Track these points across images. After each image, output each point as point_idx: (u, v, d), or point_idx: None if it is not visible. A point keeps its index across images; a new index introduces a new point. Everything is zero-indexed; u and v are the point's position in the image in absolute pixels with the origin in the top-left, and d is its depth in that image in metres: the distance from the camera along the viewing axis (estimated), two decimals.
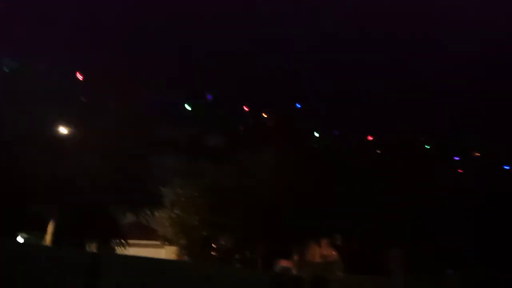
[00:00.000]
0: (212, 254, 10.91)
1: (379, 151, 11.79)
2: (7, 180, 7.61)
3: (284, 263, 12.82)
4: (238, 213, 9.78)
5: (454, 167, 11.93)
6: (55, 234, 8.62)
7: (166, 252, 11.82)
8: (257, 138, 9.84)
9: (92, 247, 8.32)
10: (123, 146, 8.44)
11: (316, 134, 11.24)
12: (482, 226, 10.08)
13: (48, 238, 9.15)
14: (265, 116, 10.12)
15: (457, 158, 12.46)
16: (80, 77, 8.95)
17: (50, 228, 8.96)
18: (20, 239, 9.76)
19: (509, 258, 8.45)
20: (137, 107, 9.08)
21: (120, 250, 8.17)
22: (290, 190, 9.69)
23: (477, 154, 12.88)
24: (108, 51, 9.74)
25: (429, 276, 8.63)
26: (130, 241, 9.36)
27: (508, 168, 12.54)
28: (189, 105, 10.34)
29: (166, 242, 11.11)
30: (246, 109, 10.47)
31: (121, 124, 8.38)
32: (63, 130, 8.54)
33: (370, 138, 12.30)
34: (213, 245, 10.99)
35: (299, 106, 11.52)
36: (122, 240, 8.43)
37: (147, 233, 11.52)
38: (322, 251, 13.39)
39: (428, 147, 11.78)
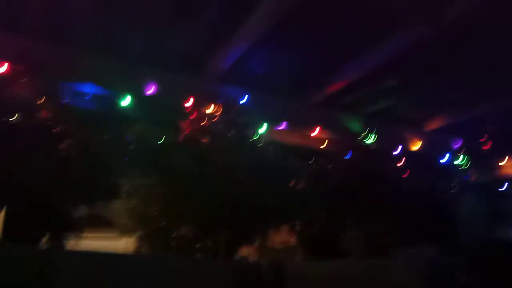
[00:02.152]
0: (173, 245, 10.82)
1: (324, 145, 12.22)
2: None
3: (246, 250, 12.98)
4: (198, 202, 9.73)
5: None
6: (4, 229, 8.22)
7: (124, 244, 11.60)
8: (210, 128, 9.80)
9: (44, 241, 8.00)
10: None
11: (263, 129, 11.44)
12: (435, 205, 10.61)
13: None
14: (214, 108, 10.10)
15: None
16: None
17: (1, 221, 8.54)
18: None
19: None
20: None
21: (73, 244, 7.92)
22: (249, 177, 9.77)
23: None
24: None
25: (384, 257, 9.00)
26: (86, 234, 9.08)
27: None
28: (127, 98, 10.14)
29: (123, 234, 10.89)
30: (191, 101, 10.38)
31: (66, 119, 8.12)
32: (10, 119, 8.11)
33: (316, 131, 12.65)
34: (173, 235, 10.89)
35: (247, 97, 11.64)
36: (76, 233, 8.16)
37: (103, 225, 11.24)
38: (283, 237, 13.70)
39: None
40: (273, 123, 12.71)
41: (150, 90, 10.69)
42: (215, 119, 9.95)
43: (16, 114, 7.70)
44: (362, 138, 12.11)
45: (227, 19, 9.91)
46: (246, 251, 13.01)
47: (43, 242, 8.04)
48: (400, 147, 13.03)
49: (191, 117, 9.89)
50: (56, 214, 7.92)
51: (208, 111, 10.12)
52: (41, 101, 8.08)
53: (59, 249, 5.92)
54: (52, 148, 7.78)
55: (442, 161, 13.45)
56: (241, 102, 11.72)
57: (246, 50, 10.71)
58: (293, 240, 12.98)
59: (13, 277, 5.31)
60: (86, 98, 9.99)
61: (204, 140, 9.72)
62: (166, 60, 11.18)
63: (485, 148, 13.69)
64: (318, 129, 13.10)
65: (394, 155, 12.68)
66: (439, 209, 10.22)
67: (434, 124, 15.23)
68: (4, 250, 6.18)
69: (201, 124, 9.83)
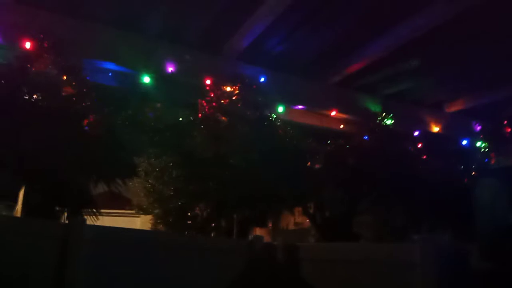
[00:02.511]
0: (188, 223, 10.99)
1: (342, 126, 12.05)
2: None
3: (259, 231, 13.11)
4: (213, 182, 9.81)
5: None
6: (25, 204, 8.45)
7: (141, 222, 11.87)
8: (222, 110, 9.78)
9: (63, 217, 8.21)
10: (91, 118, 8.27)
11: (281, 108, 11.36)
12: (452, 192, 10.41)
13: (18, 208, 8.98)
14: (229, 88, 10.04)
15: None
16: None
17: (21, 197, 8.77)
18: None
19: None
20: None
21: (92, 220, 8.12)
22: (265, 157, 9.77)
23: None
24: None
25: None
26: (104, 211, 9.29)
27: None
28: (149, 77, 10.16)
29: (141, 212, 11.11)
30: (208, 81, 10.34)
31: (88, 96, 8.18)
32: (28, 97, 8.23)
33: (333, 112, 12.48)
34: (188, 214, 11.05)
35: (264, 78, 11.54)
36: (94, 210, 8.34)
37: (121, 203, 11.49)
38: (296, 219, 13.76)
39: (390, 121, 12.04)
40: (290, 103, 12.58)
41: (170, 69, 10.70)
42: (234, 98, 9.90)
43: (39, 92, 7.76)
44: (381, 119, 11.89)
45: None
46: (260, 232, 13.15)
47: (62, 218, 8.25)
48: (419, 130, 12.78)
49: (210, 96, 9.87)
50: (76, 191, 8.09)
51: (227, 90, 10.08)
52: (65, 78, 8.13)
53: (79, 224, 6.06)
54: (73, 125, 7.87)
55: (462, 144, 13.16)
56: (260, 81, 11.62)
57: (265, 29, 10.56)
58: (306, 222, 13.05)
59: (33, 252, 5.49)
60: (109, 75, 10.05)
61: (223, 118, 9.70)
62: (185, 38, 11.14)
63: (506, 131, 13.35)
64: (335, 110, 12.92)
65: (413, 137, 12.43)
66: (457, 194, 10.02)
67: (454, 107, 14.87)
68: (25, 224, 6.37)
69: (220, 103, 9.81)
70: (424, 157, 11.22)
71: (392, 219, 10.03)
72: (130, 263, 5.99)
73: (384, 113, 11.94)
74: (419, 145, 11.79)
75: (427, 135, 12.77)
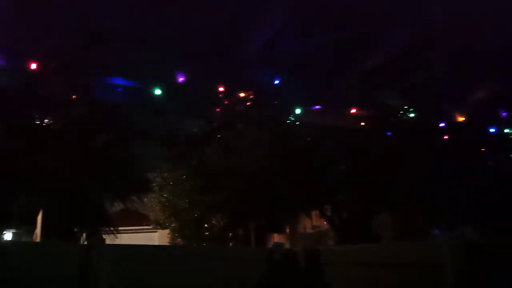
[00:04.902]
0: (205, 234, 10.99)
1: (363, 123, 11.75)
2: None
3: (277, 237, 13.01)
4: (228, 192, 9.79)
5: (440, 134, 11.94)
6: (44, 228, 8.50)
7: (159, 236, 11.88)
8: (237, 117, 9.71)
9: (82, 238, 8.24)
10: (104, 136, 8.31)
11: (298, 110, 11.19)
12: (472, 186, 10.07)
13: (38, 232, 9.04)
14: (243, 94, 9.97)
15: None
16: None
17: (39, 221, 8.83)
18: (8, 236, 9.64)
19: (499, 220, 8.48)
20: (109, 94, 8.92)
21: (110, 239, 8.12)
22: (278, 164, 9.70)
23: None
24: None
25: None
26: (122, 228, 9.31)
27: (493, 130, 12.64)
28: (159, 89, 10.16)
29: (158, 227, 11.14)
30: (221, 89, 10.30)
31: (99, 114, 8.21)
32: (41, 120, 8.31)
33: (353, 110, 12.21)
34: (205, 225, 11.05)
35: (278, 81, 11.40)
36: (112, 228, 8.36)
37: (138, 219, 11.53)
38: (313, 222, 13.62)
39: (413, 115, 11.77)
40: (308, 103, 12.31)
41: (181, 79, 10.61)
42: (248, 104, 9.84)
43: (50, 114, 7.82)
44: (404, 112, 11.57)
45: (255, 2, 9.68)
46: (277, 238, 13.04)
47: (82, 238, 8.28)
48: (444, 121, 12.27)
49: (224, 103, 9.83)
50: (93, 211, 8.11)
51: (241, 96, 10.02)
52: (75, 97, 8.16)
53: (98, 244, 6.05)
54: (86, 144, 7.89)
55: (489, 132, 12.55)
56: (275, 84, 11.45)
57: (278, 30, 10.37)
58: (323, 225, 12.92)
59: (56, 274, 5.50)
60: (119, 90, 10.05)
61: (239, 125, 9.62)
62: (196, 47, 11.02)
63: None
64: (355, 107, 12.49)
65: (438, 128, 12.00)
66: (484, 187, 9.62)
67: (479, 95, 14.27)
68: (48, 246, 6.38)
69: (235, 109, 9.76)
70: (451, 148, 10.81)
71: (414, 216, 9.79)
72: (150, 276, 5.96)
73: (406, 107, 11.63)
74: (445, 136, 11.42)
75: (452, 125, 12.25)
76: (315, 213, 12.61)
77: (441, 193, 9.29)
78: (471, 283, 4.38)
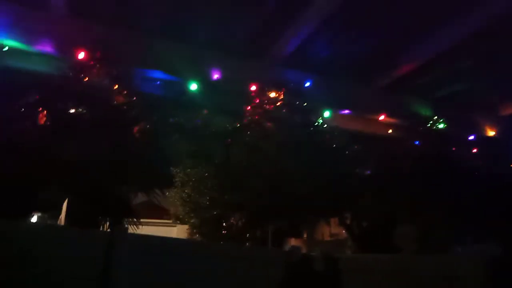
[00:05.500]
0: (223, 233, 11.04)
1: (390, 131, 11.59)
2: (18, 163, 7.68)
3: (294, 242, 12.95)
4: (248, 192, 9.82)
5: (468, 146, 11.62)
6: (68, 214, 8.74)
7: (177, 231, 12.02)
8: (264, 116, 9.76)
9: (105, 227, 8.44)
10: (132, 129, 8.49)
11: (327, 113, 11.10)
12: (498, 200, 9.76)
13: (62, 218, 9.30)
14: (274, 94, 10.01)
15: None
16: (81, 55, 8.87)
17: (64, 208, 9.08)
18: (34, 219, 9.97)
19: None
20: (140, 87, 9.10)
21: (132, 229, 8.29)
22: (299, 169, 9.67)
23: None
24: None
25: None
26: (142, 220, 9.48)
27: None
28: (196, 83, 10.26)
29: (177, 221, 11.26)
30: (254, 87, 10.36)
31: (128, 105, 8.39)
32: (70, 111, 8.56)
33: (381, 116, 12.04)
34: (224, 224, 11.10)
35: (310, 82, 11.37)
36: (135, 219, 8.53)
37: (158, 213, 11.69)
38: (332, 230, 13.48)
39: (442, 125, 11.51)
40: (337, 107, 12.23)
41: (216, 76, 10.77)
42: (278, 104, 9.88)
43: (91, 102, 8.04)
44: (432, 123, 11.35)
45: (291, 3, 9.74)
46: (295, 243, 12.97)
47: (104, 228, 8.48)
48: (472, 134, 11.99)
49: (255, 102, 9.91)
50: (118, 201, 8.29)
51: (272, 95, 10.08)
52: (115, 87, 8.38)
53: (123, 232, 6.20)
54: (122, 134, 8.09)
55: None
56: (305, 86, 11.46)
57: (310, 34, 10.40)
58: (342, 233, 12.76)
59: (79, 258, 5.66)
60: (156, 83, 10.28)
61: (268, 124, 9.68)
62: (231, 45, 11.18)
63: None
64: (384, 114, 12.31)
65: (466, 141, 11.73)
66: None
67: (510, 109, 13.89)
68: (73, 231, 6.58)
69: (265, 108, 9.83)
70: (479, 162, 10.56)
71: (436, 229, 9.56)
72: (170, 270, 6.05)
73: (436, 117, 11.41)
74: (474, 150, 11.15)
75: (481, 139, 11.97)
76: (334, 221, 12.49)
77: (466, 208, 9.06)
78: None
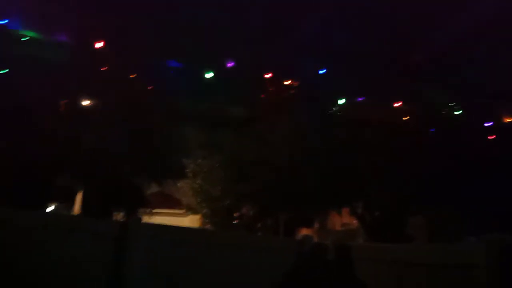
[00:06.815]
0: (235, 223, 11.14)
1: (404, 118, 11.37)
2: (34, 153, 7.81)
3: (305, 231, 12.98)
4: (259, 182, 9.87)
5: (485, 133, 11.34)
6: (83, 204, 8.89)
7: (189, 221, 12.15)
8: (277, 107, 9.71)
9: (119, 216, 8.58)
10: (146, 119, 8.55)
11: (341, 101, 10.97)
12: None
13: (76, 208, 9.48)
14: (286, 83, 9.93)
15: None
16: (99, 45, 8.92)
17: (79, 198, 9.25)
18: (50, 209, 10.16)
19: None
20: (156, 77, 9.10)
21: (145, 219, 8.40)
22: (311, 158, 9.66)
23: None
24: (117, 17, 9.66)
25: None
26: (155, 210, 9.59)
27: None
28: (209, 72, 10.20)
29: (189, 211, 11.37)
30: (267, 76, 10.28)
31: (142, 95, 8.43)
32: (85, 101, 8.64)
33: (397, 104, 11.80)
34: (235, 214, 11.20)
35: (324, 71, 11.21)
36: (148, 209, 8.64)
37: (171, 202, 11.82)
38: (343, 220, 13.48)
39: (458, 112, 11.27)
40: (352, 95, 12.08)
41: (230, 64, 10.69)
42: (294, 91, 9.82)
43: (100, 94, 8.11)
44: (449, 110, 11.13)
45: None
46: (306, 232, 12.99)
47: (119, 216, 8.63)
48: (490, 121, 11.69)
49: (269, 90, 9.87)
50: (132, 191, 8.40)
51: (287, 83, 10.02)
52: (133, 76, 8.42)
53: (136, 222, 6.26)
54: (136, 125, 8.14)
55: None
56: (320, 73, 11.33)
57: (325, 20, 10.22)
58: (353, 223, 12.76)
59: (93, 246, 5.75)
60: (171, 72, 10.27)
61: (277, 115, 9.65)
62: (245, 33, 11.07)
63: None
64: (400, 101, 12.11)
65: (484, 128, 11.47)
66: None
67: None
68: (86, 220, 6.67)
69: (280, 96, 9.79)
70: (498, 150, 10.30)
71: (450, 219, 9.47)
72: (183, 258, 6.11)
73: (452, 104, 11.16)
74: (492, 137, 10.88)
75: (499, 126, 11.63)
76: (345, 211, 12.49)
77: (481, 198, 8.95)
78: (504, 283, 4.25)
